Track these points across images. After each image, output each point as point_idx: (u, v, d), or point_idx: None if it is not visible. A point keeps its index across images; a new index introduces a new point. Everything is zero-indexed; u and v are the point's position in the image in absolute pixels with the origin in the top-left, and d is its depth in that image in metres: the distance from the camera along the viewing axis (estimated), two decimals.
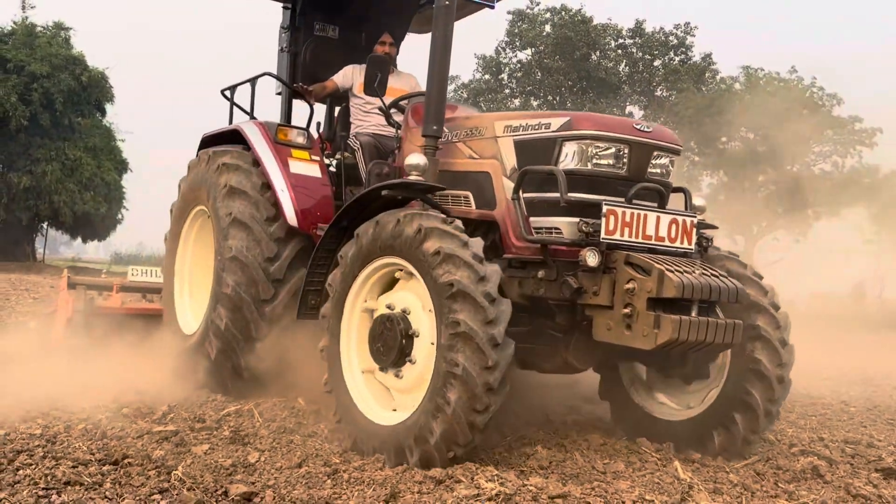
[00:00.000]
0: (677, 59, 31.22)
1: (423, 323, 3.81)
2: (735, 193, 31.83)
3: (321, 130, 6.45)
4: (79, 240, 34.32)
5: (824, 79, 32.34)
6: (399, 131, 5.24)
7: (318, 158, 5.58)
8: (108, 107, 30.37)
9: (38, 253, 32.07)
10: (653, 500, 3.39)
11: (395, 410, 3.98)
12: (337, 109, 6.65)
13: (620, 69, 30.33)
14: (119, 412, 4.71)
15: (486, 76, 25.78)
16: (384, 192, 4.15)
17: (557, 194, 3.89)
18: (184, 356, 5.66)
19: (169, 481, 3.31)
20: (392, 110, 5.36)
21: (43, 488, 3.09)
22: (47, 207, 27.11)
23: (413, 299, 3.89)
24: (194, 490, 3.22)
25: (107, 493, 3.14)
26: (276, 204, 5.24)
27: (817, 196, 29.39)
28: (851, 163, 31.97)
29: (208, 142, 6.11)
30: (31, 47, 27.11)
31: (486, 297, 3.42)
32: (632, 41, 30.31)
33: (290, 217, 5.18)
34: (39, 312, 10.10)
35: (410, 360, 3.82)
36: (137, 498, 3.08)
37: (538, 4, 25.32)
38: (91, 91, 28.48)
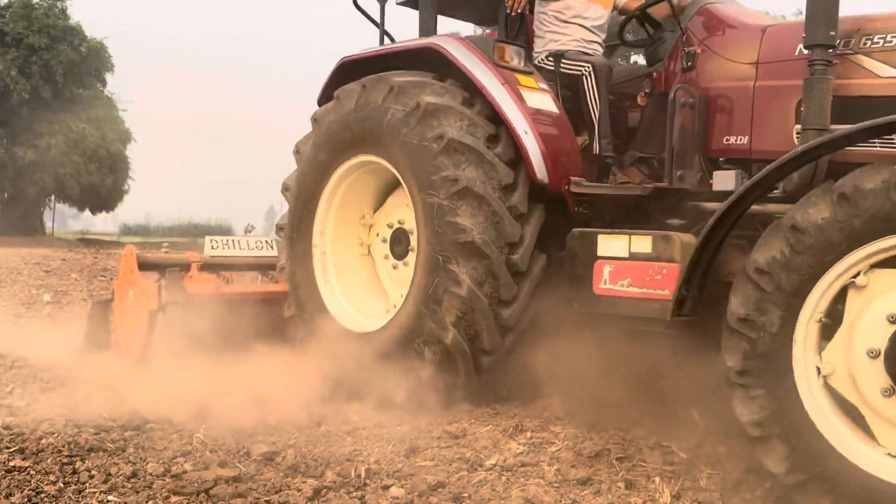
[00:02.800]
0: None
1: None
2: None
3: None
4: (86, 213, 34.38)
5: None
6: (689, 47, 3.90)
7: (546, 87, 4.20)
8: (108, 77, 30.27)
9: (47, 227, 32.18)
10: (669, 446, 3.43)
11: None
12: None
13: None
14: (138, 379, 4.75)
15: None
16: None
17: None
18: (369, 362, 4.08)
19: (191, 444, 3.35)
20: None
21: (67, 456, 3.13)
22: (53, 180, 27.14)
23: None
24: (217, 452, 3.26)
25: (130, 457, 3.18)
26: (517, 148, 3.93)
27: None
28: None
29: (343, 76, 4.65)
30: (28, 19, 26.89)
31: None
32: None
33: (539, 171, 3.86)
34: (51, 286, 10.20)
35: None
36: (161, 461, 3.12)
37: None
38: (90, 61, 28.34)
